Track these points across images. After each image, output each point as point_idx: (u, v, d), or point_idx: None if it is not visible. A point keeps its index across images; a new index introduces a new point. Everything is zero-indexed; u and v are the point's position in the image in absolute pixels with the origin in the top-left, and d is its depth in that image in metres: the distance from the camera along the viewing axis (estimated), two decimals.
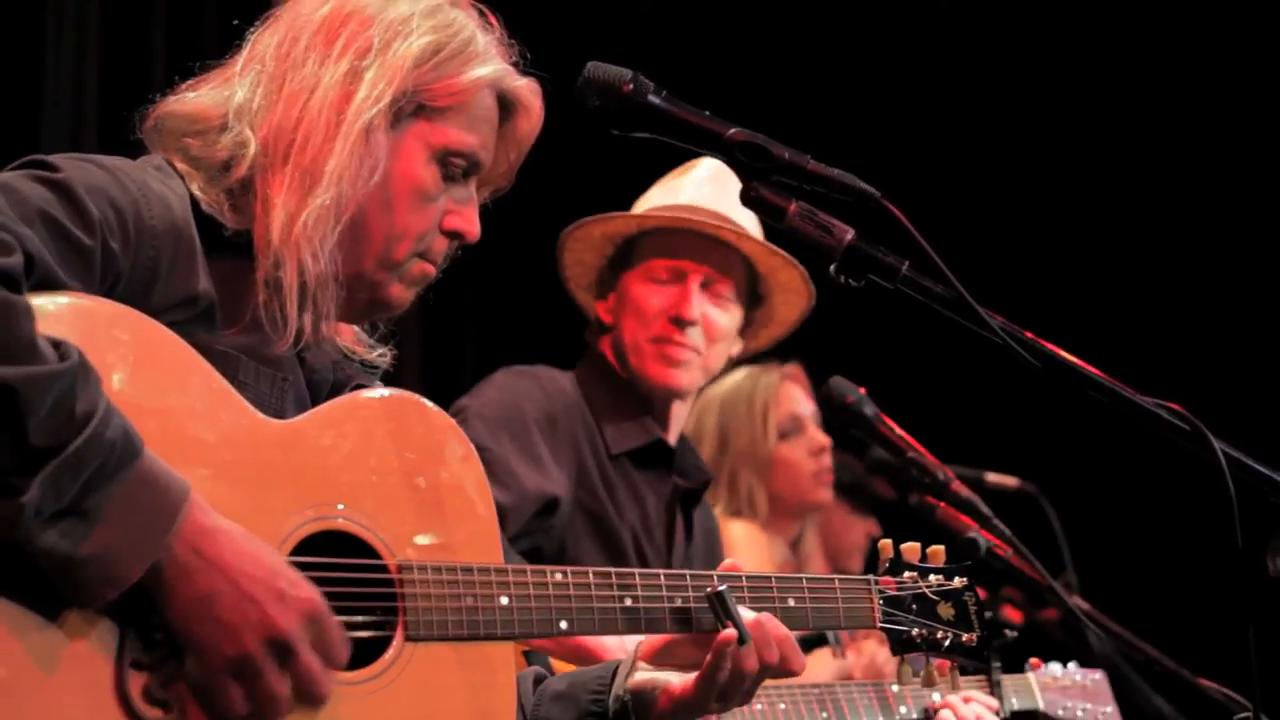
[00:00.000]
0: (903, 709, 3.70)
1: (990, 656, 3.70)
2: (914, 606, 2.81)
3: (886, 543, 2.86)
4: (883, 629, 2.77)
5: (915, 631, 2.80)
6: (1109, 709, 4.11)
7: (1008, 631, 3.70)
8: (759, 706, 3.40)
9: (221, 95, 2.42)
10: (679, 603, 2.51)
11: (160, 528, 2.03)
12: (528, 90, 2.52)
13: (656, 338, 3.74)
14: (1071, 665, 4.11)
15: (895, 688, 3.68)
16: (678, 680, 2.58)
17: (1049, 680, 4.04)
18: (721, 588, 2.52)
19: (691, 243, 3.76)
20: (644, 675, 2.62)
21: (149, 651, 2.09)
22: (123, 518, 2.00)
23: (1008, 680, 3.84)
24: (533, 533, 3.40)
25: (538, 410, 3.51)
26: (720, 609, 2.51)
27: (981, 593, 2.89)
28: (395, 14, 2.42)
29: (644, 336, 3.75)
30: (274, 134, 2.37)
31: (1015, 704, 3.89)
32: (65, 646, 2.03)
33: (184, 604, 2.06)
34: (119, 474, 2.00)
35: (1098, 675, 4.13)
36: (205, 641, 2.07)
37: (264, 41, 2.45)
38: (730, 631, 2.49)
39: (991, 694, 3.71)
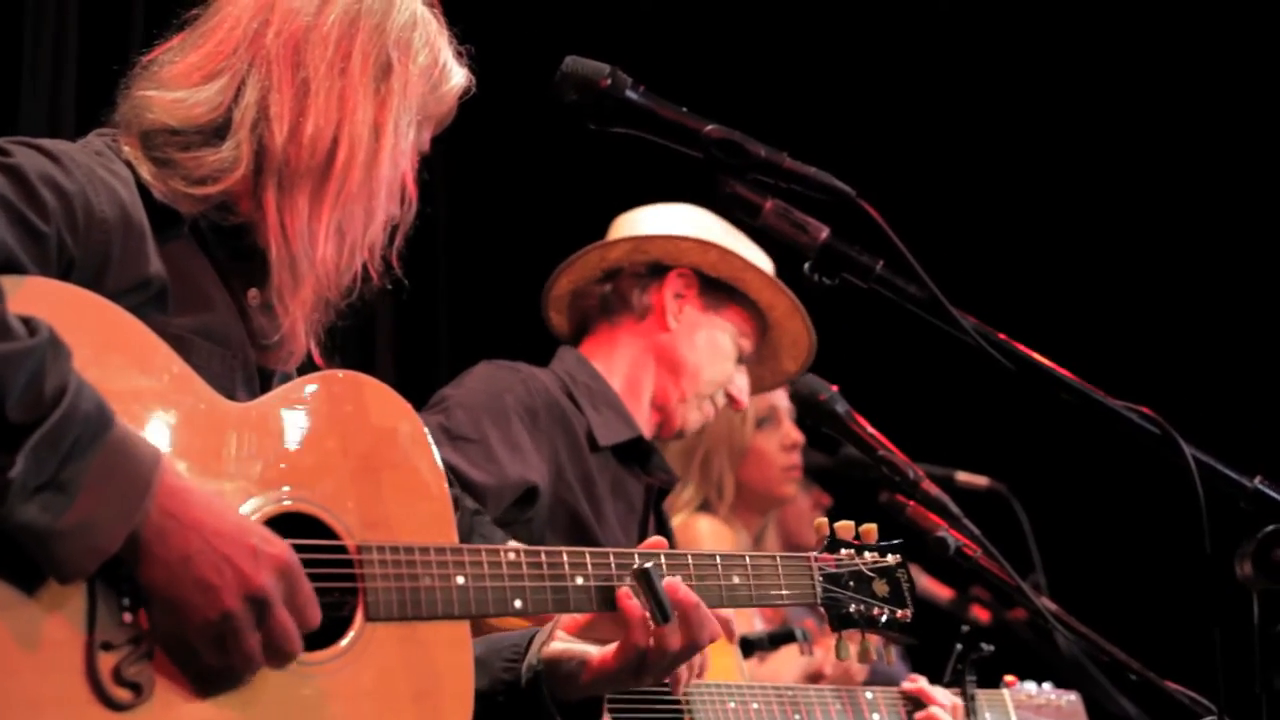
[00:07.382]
0: (875, 716, 3.70)
1: (965, 670, 3.71)
2: (851, 583, 2.84)
3: (822, 521, 2.88)
4: (822, 605, 2.79)
5: (853, 608, 2.83)
6: None
7: (984, 646, 3.70)
8: (731, 705, 3.40)
9: (213, 92, 2.41)
10: (584, 581, 2.51)
11: (137, 494, 2.04)
12: (469, 82, 2.63)
13: (712, 398, 3.86)
14: (1046, 685, 4.12)
15: (869, 695, 3.68)
16: (596, 652, 2.59)
17: (1023, 698, 4.03)
18: (647, 565, 2.52)
19: (759, 314, 3.90)
20: (560, 645, 2.62)
21: (119, 630, 2.09)
22: (100, 488, 2.01)
23: (982, 695, 3.84)
24: (511, 523, 3.39)
25: (518, 402, 3.51)
26: (645, 586, 2.51)
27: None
28: (397, 23, 2.48)
29: (712, 389, 3.86)
30: (308, 149, 2.40)
31: (989, 719, 3.89)
32: (36, 629, 2.03)
33: (162, 567, 2.07)
34: (94, 445, 2.01)
35: (1073, 696, 4.13)
36: (185, 604, 2.08)
37: (245, 20, 2.44)
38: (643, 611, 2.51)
39: (966, 708, 3.71)
